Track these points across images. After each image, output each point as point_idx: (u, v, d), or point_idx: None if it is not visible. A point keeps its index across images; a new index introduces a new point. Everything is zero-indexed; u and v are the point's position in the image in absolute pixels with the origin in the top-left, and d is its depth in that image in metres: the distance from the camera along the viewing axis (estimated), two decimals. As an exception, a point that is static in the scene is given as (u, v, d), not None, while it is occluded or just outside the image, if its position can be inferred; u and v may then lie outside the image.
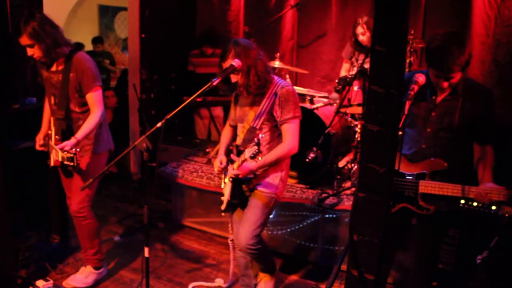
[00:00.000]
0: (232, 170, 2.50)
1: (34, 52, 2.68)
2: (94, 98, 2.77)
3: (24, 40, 2.64)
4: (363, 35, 4.00)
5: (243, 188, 2.59)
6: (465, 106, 2.24)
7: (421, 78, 2.25)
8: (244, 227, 2.55)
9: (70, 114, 2.83)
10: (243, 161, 2.40)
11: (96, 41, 7.39)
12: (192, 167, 4.06)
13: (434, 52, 2.19)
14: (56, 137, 2.80)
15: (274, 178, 2.56)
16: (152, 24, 5.09)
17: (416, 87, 2.21)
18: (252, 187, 2.57)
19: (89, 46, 7.40)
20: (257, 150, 2.19)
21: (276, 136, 2.55)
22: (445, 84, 2.21)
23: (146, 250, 2.42)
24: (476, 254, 2.82)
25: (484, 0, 3.81)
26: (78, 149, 2.62)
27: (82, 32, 8.06)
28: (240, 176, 2.49)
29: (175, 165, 4.17)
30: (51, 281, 3.02)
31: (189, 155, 4.47)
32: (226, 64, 2.44)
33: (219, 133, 5.17)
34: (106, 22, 9.01)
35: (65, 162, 2.61)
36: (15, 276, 2.93)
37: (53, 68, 2.81)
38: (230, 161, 2.60)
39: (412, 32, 3.71)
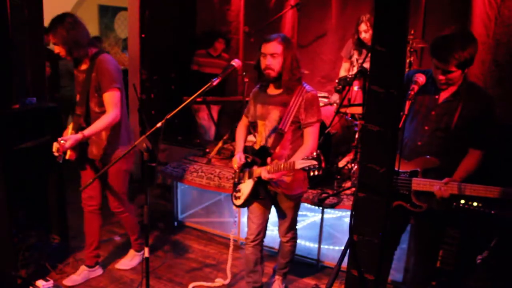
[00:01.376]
0: (267, 174, 2.50)
1: (60, 50, 2.84)
2: (110, 99, 2.86)
3: (51, 38, 2.81)
4: (366, 32, 4.00)
5: (268, 188, 2.67)
6: (465, 109, 2.25)
7: (421, 78, 2.26)
8: (284, 226, 2.84)
9: (89, 112, 2.95)
10: (286, 168, 2.41)
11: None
12: (192, 167, 4.05)
13: (438, 40, 2.22)
14: (72, 131, 2.91)
15: (300, 181, 2.70)
16: (152, 24, 5.09)
17: (416, 87, 2.22)
18: (282, 192, 2.68)
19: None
20: (316, 166, 2.22)
21: (299, 136, 2.63)
22: (441, 78, 2.22)
23: (146, 250, 2.42)
24: (476, 254, 2.82)
25: (484, 0, 3.82)
26: (68, 145, 2.73)
27: (82, 32, 8.05)
28: (274, 180, 2.56)
29: (175, 165, 4.17)
30: (51, 281, 3.02)
31: (189, 155, 4.47)
32: (268, 46, 2.52)
33: (219, 133, 5.17)
34: (106, 22, 9.00)
35: (55, 153, 2.77)
36: (15, 276, 2.93)
37: (80, 67, 2.95)
38: (253, 160, 2.65)
39: (412, 32, 3.71)
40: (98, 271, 3.32)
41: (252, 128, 2.88)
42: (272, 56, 2.52)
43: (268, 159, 2.56)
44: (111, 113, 2.85)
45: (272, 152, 2.59)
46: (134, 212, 3.36)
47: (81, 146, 2.90)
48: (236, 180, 2.76)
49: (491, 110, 2.29)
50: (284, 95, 2.59)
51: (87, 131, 2.81)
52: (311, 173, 2.24)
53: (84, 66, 2.92)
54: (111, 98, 2.85)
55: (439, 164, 2.27)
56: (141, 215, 3.84)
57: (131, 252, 3.49)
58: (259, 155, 2.63)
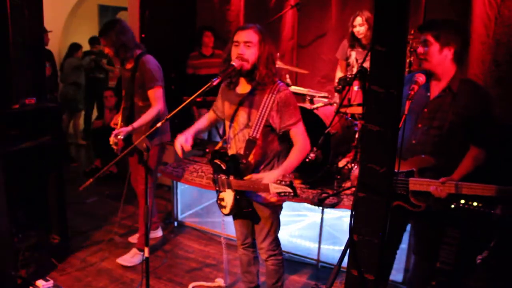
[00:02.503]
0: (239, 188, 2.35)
1: (108, 51, 3.27)
2: (154, 95, 3.25)
3: (103, 41, 3.25)
4: (361, 26, 4.01)
5: (250, 200, 2.48)
6: (459, 105, 2.24)
7: (421, 78, 2.26)
8: (261, 239, 2.57)
9: (133, 106, 3.32)
10: (259, 189, 2.26)
11: (93, 41, 7.39)
12: (192, 167, 4.06)
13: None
14: (122, 123, 3.30)
15: None
16: (152, 24, 5.09)
17: (416, 87, 2.23)
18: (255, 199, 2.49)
19: (87, 46, 7.39)
20: (292, 194, 2.10)
21: (270, 140, 2.41)
22: (420, 51, 2.29)
23: (146, 250, 2.42)
24: (476, 254, 2.82)
25: (484, 0, 3.82)
26: (121, 137, 3.09)
27: (82, 32, 8.05)
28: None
29: (175, 165, 4.17)
30: (51, 281, 3.03)
31: (189, 155, 4.47)
32: (242, 33, 2.29)
33: (219, 134, 5.18)
34: (106, 22, 9.01)
35: (113, 146, 3.12)
36: (15, 276, 2.93)
37: (126, 66, 3.33)
38: (228, 168, 2.43)
39: (412, 32, 3.71)
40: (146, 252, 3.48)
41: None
42: (246, 45, 2.26)
43: (249, 175, 2.34)
44: (156, 107, 3.23)
45: (245, 161, 2.36)
46: (154, 207, 3.59)
47: (128, 136, 3.22)
48: (216, 187, 2.56)
49: (490, 108, 2.28)
50: (253, 95, 2.35)
51: (136, 123, 3.17)
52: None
53: (129, 65, 3.31)
54: (155, 94, 3.24)
55: (435, 163, 2.27)
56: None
57: (134, 250, 3.55)
58: (232, 163, 2.42)
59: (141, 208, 3.51)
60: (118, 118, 3.39)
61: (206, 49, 5.14)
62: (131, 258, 3.50)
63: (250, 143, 2.35)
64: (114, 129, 3.29)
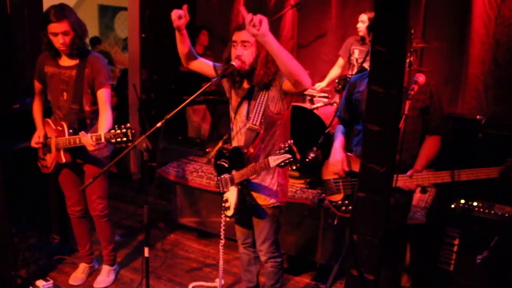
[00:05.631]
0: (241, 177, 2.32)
1: (65, 40, 2.68)
2: (106, 96, 2.82)
3: (63, 26, 2.64)
4: (363, 23, 4.08)
5: (252, 195, 2.44)
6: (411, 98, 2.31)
7: (421, 78, 2.27)
8: (260, 241, 2.54)
9: (83, 109, 2.86)
10: (262, 168, 2.20)
11: (94, 42, 7.41)
12: (192, 167, 4.05)
13: None
14: (70, 130, 2.79)
15: (272, 186, 2.44)
16: (152, 24, 5.09)
17: (416, 87, 2.23)
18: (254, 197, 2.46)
19: (88, 46, 7.42)
20: (291, 159, 2.02)
21: (272, 133, 2.36)
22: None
23: (146, 250, 2.42)
24: (476, 254, 2.82)
25: (484, 0, 3.82)
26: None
27: (82, 32, 8.07)
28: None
29: (175, 165, 4.17)
30: (51, 281, 3.03)
31: (189, 155, 4.47)
32: (240, 34, 2.24)
33: (219, 133, 5.17)
34: (106, 22, 9.02)
35: (116, 142, 2.52)
36: (15, 276, 2.93)
37: (64, 64, 2.82)
38: (231, 165, 2.44)
39: (412, 32, 3.71)
40: (96, 265, 3.36)
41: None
42: (243, 45, 2.22)
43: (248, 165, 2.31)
44: (109, 110, 2.82)
45: (245, 150, 2.31)
46: (111, 219, 3.21)
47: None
48: (220, 189, 2.52)
49: (440, 96, 2.38)
50: (253, 90, 2.33)
51: (105, 129, 2.69)
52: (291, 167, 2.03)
53: (71, 62, 2.80)
54: (107, 95, 2.83)
55: (398, 159, 2.30)
56: (141, 215, 3.85)
57: (105, 267, 3.27)
58: (233, 156, 2.39)
59: (105, 226, 3.16)
60: (49, 121, 2.88)
61: (199, 47, 5.14)
62: (107, 277, 3.24)
63: (251, 133, 2.32)
64: None
